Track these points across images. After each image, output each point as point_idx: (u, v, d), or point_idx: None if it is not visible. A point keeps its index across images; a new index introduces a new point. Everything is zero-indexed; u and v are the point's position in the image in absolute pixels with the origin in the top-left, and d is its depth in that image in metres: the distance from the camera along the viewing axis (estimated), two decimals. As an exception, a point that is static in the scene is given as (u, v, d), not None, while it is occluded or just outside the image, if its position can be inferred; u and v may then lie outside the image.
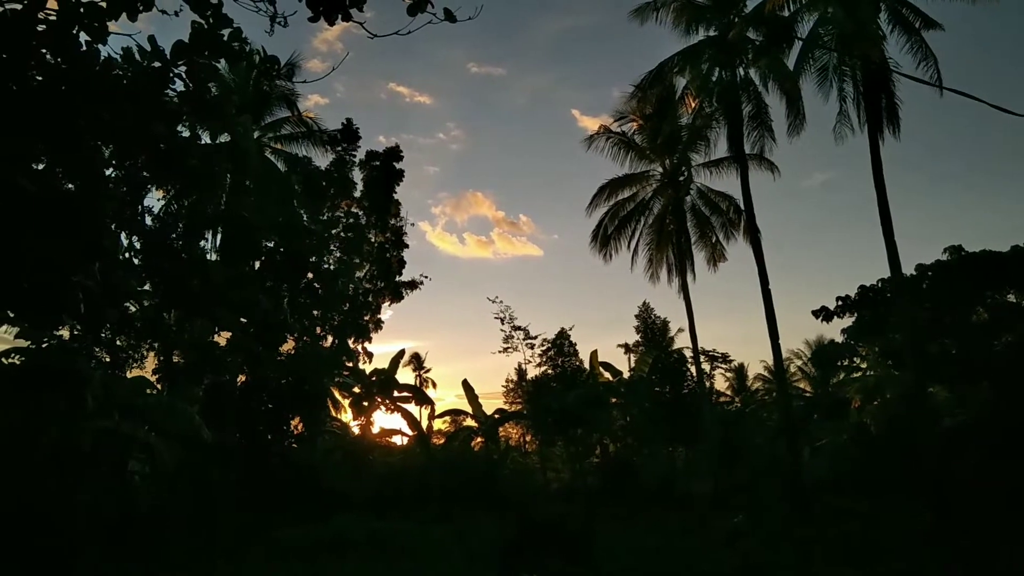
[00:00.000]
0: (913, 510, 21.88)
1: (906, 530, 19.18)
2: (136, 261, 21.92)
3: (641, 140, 33.22)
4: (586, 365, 38.28)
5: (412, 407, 40.73)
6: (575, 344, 37.76)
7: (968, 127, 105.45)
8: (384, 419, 39.97)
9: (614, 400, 37.36)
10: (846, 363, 39.93)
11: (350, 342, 32.12)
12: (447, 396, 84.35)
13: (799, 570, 16.49)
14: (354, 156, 32.50)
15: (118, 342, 23.98)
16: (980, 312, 29.92)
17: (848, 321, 35.09)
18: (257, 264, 28.78)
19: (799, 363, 44.94)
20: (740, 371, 46.55)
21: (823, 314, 36.08)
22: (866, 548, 17.66)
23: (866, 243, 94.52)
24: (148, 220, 24.39)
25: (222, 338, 25.68)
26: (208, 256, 26.53)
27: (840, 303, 35.29)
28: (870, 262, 75.63)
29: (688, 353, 36.68)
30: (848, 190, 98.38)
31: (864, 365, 38.87)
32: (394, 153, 33.14)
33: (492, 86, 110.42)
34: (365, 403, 36.67)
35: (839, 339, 36.53)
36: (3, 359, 17.05)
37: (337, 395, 37.97)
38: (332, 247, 30.89)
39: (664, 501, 30.96)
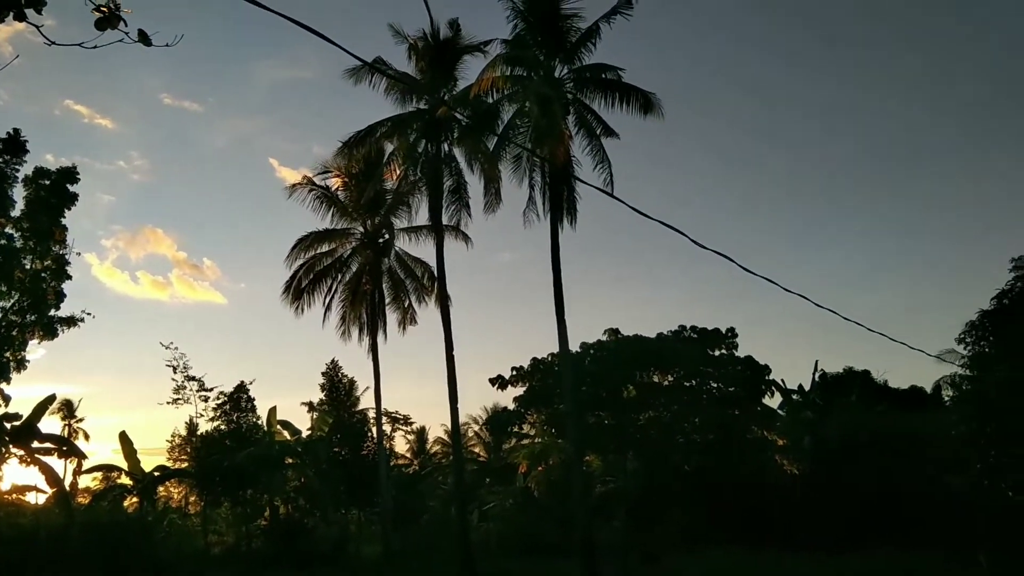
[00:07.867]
0: (567, 570, 23.62)
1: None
2: None
3: (345, 197, 33.28)
4: (263, 422, 36.62)
5: (55, 460, 35.74)
6: (254, 399, 35.93)
7: (631, 226, 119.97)
8: (18, 473, 34.61)
9: (289, 460, 36.07)
10: (517, 430, 42.53)
11: (-17, 381, 27.57)
12: (103, 450, 75.48)
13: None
14: (17, 171, 28.52)
15: None
16: (630, 389, 33.82)
17: (521, 390, 37.77)
18: None
19: (476, 428, 46.91)
20: (421, 434, 47.56)
21: (499, 382, 38.46)
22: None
23: (543, 319, 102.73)
24: None
25: None
26: None
27: (514, 373, 37.93)
28: (545, 337, 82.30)
29: (372, 414, 36.71)
30: (532, 269, 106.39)
31: (533, 432, 41.68)
32: (69, 174, 29.61)
33: (187, 121, 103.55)
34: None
35: (512, 407, 39.02)
36: None
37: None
38: (-26, 270, 26.55)
39: (335, 565, 30.24)
